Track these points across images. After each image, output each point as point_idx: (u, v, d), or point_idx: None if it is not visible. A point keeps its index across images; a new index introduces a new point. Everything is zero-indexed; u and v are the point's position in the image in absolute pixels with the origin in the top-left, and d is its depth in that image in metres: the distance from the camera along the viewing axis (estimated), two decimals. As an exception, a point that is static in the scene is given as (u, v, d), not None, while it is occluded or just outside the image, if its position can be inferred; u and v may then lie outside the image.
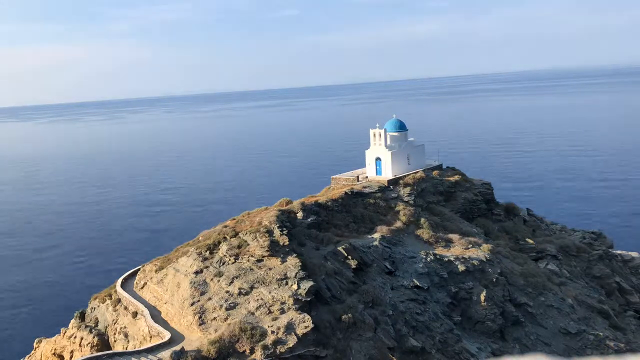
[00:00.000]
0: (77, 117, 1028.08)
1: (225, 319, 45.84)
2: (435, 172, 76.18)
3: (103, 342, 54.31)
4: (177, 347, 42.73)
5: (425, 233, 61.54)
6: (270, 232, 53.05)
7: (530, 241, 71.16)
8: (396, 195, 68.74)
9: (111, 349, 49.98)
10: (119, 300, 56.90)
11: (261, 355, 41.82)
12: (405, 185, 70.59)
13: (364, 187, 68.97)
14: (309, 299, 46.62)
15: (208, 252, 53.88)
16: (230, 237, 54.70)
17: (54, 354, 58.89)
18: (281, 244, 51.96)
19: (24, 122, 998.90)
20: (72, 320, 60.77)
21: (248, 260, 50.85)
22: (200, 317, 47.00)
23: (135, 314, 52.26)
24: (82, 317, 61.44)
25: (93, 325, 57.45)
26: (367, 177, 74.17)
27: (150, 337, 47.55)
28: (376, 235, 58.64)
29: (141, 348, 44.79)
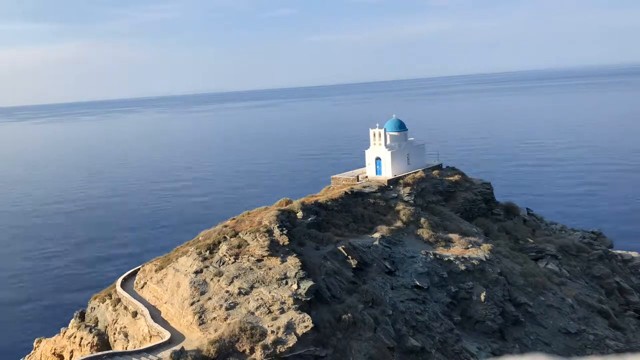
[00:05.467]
0: (72, 117, 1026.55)
1: (225, 319, 45.86)
2: (435, 172, 76.20)
3: (103, 341, 54.31)
4: (177, 347, 42.74)
5: (425, 233, 61.56)
6: (270, 232, 53.05)
7: (530, 241, 71.19)
8: (396, 195, 68.75)
9: (111, 349, 49.96)
10: (118, 300, 56.91)
11: (261, 355, 41.83)
12: (405, 185, 70.61)
13: (364, 187, 68.98)
14: (308, 299, 46.63)
15: (208, 252, 53.89)
16: (230, 237, 54.70)
17: (53, 353, 58.91)
18: (281, 243, 51.96)
19: (20, 122, 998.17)
20: (72, 320, 60.79)
21: (248, 260, 50.86)
22: (200, 316, 47.01)
23: (135, 314, 52.27)
24: (82, 316, 61.47)
25: (93, 325, 57.46)
26: (367, 177, 74.19)
27: (150, 336, 47.56)
28: (376, 235, 58.65)
29: (141, 348, 44.79)
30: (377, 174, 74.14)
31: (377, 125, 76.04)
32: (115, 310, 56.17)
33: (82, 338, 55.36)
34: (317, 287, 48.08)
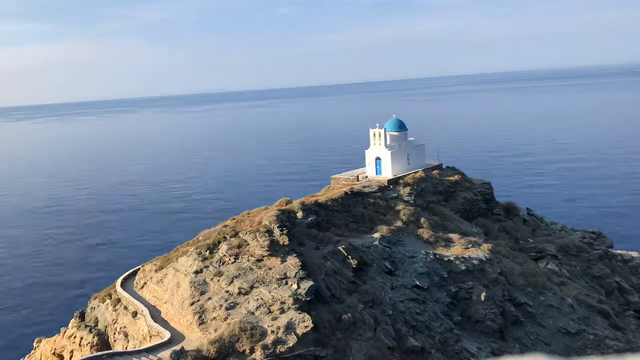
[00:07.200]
0: (71, 117, 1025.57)
1: (225, 319, 45.84)
2: (435, 172, 76.21)
3: (103, 341, 54.30)
4: (177, 347, 42.72)
5: (425, 233, 61.56)
6: (270, 232, 53.03)
7: (530, 241, 71.19)
8: (396, 195, 68.77)
9: (111, 349, 49.96)
10: (118, 300, 56.91)
11: (261, 355, 41.82)
12: (405, 185, 70.62)
13: (364, 187, 68.98)
14: (308, 299, 46.61)
15: (208, 251, 53.88)
16: (230, 237, 54.69)
17: (53, 353, 58.90)
18: (281, 243, 51.94)
19: (18, 122, 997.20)
20: (72, 320, 60.79)
21: (248, 260, 50.85)
22: (200, 316, 47.00)
23: (135, 314, 52.26)
24: (82, 316, 61.47)
25: (93, 325, 57.46)
26: (367, 177, 74.19)
27: (150, 336, 47.55)
28: (376, 235, 58.65)
29: (141, 348, 44.77)
30: (377, 173, 74.14)
31: (377, 125, 76.05)
32: (115, 310, 56.17)
33: (82, 338, 55.36)
34: (317, 287, 48.06)
